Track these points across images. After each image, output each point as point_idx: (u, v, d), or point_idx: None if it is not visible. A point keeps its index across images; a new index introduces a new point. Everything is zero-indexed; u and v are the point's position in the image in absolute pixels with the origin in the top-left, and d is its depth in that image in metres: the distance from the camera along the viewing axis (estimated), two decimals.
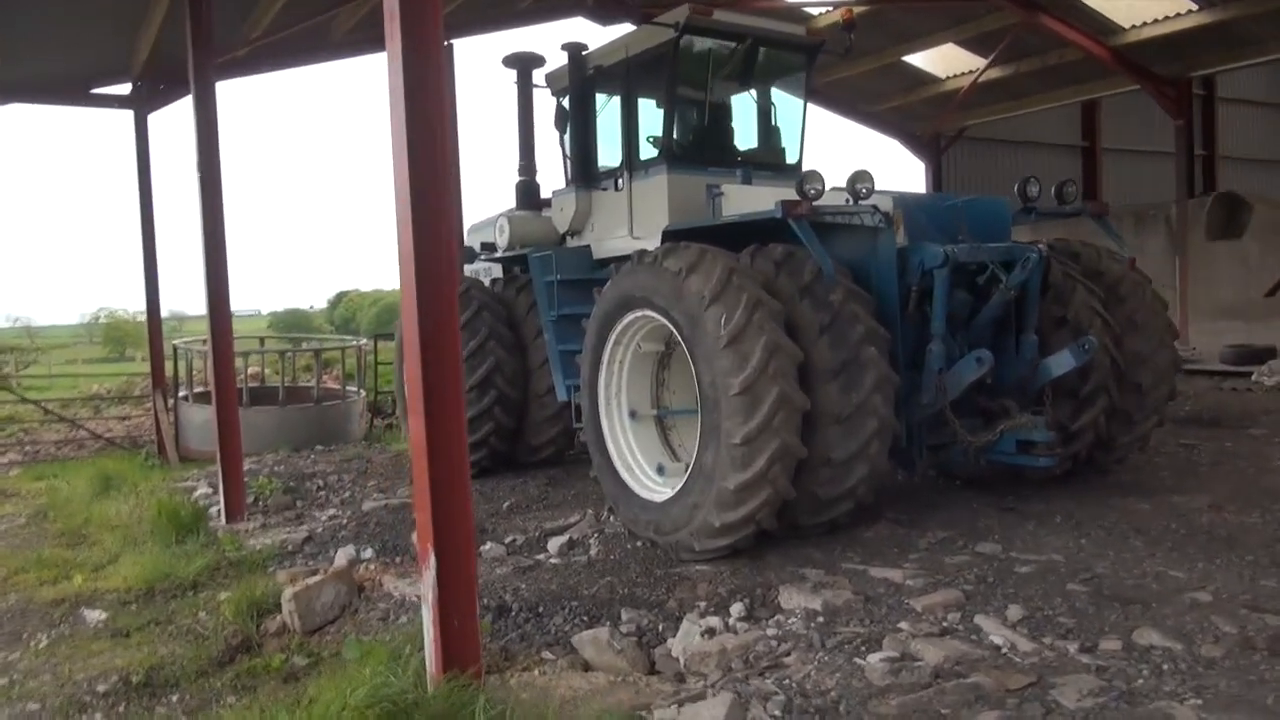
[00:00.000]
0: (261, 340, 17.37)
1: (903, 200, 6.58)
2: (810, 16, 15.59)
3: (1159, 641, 4.31)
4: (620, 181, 8.73)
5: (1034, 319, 6.73)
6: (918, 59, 18.22)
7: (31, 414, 18.14)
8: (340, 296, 78.23)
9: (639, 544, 6.46)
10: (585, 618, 5.32)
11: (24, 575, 7.29)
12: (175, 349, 14.03)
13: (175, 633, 5.84)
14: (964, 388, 6.29)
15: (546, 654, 4.96)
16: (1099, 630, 4.52)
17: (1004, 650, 4.39)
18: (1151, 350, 7.35)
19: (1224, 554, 5.59)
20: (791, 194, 6.25)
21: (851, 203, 6.37)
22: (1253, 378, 13.71)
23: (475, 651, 4.21)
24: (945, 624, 4.76)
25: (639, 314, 6.34)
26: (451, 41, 15.25)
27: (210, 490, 9.78)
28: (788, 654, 4.64)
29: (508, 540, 6.90)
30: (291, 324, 60.96)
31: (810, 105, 9.05)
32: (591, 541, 6.67)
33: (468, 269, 11.43)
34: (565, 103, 9.70)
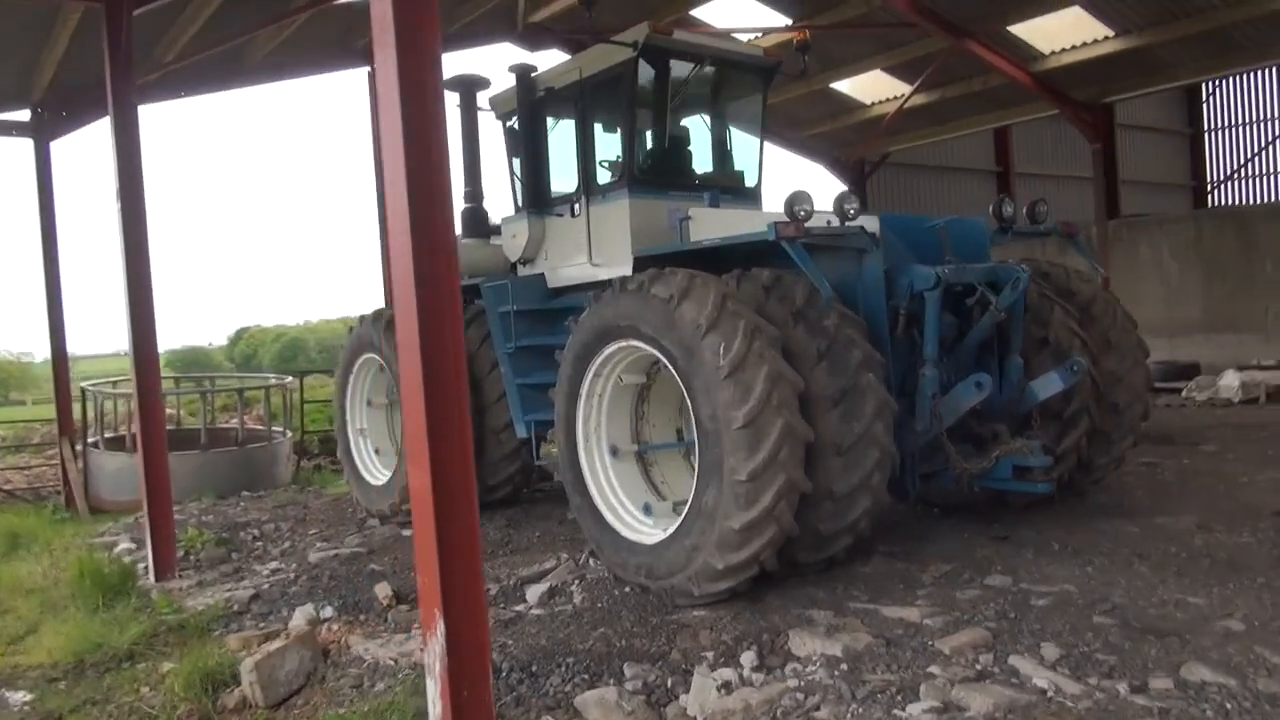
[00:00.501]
0: (176, 380, 16.32)
1: (887, 221, 6.39)
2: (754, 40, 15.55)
3: (1210, 678, 4.11)
4: (577, 207, 8.36)
5: (1019, 341, 6.60)
6: (845, 85, 18.40)
7: None
8: (241, 333, 75.55)
9: (627, 590, 6.04)
10: (585, 675, 4.89)
11: None
12: (84, 391, 13.02)
13: (117, 714, 5.18)
14: (961, 413, 6.09)
15: (548, 719, 4.52)
16: (1143, 667, 4.30)
17: (1051, 694, 4.14)
18: (1127, 370, 7.32)
19: (1233, 578, 5.48)
20: (757, 218, 6.01)
21: (838, 224, 6.15)
22: (1183, 393, 14.06)
23: None
24: (979, 667, 4.49)
25: (622, 344, 5.97)
26: (372, 68, 14.76)
27: (134, 545, 8.99)
28: (817, 708, 4.30)
29: None
30: (191, 362, 58.36)
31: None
32: (574, 589, 6.22)
33: None
34: (512, 126, 9.32)
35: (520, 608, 6.06)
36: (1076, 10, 14.20)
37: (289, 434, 13.65)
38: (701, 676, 4.72)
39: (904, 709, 4.15)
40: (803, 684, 4.53)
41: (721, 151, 8.75)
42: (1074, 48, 15.41)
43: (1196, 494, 7.72)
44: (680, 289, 5.50)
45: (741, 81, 8.63)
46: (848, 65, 17.03)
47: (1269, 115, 29.34)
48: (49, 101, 12.70)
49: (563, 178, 9.03)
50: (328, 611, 6.16)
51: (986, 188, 24.12)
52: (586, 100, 8.26)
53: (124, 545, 9.01)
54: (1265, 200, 28.29)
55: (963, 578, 5.82)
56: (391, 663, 5.27)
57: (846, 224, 6.14)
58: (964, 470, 6.23)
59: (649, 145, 8.20)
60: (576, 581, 6.33)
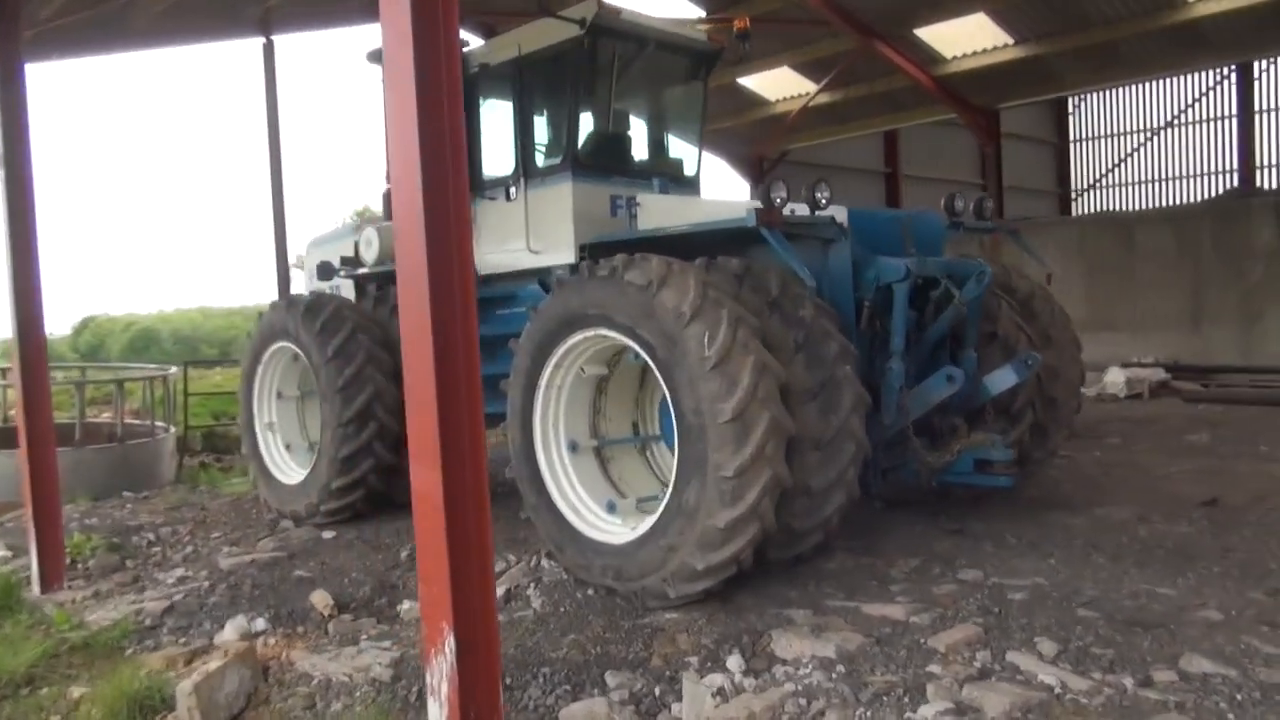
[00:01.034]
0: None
1: (853, 212, 6.28)
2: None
3: (1211, 669, 4.14)
4: (513, 190, 7.96)
5: (974, 335, 6.62)
6: (750, 81, 18.46)
7: None
8: (86, 322, 70.60)
9: (590, 592, 5.73)
10: (567, 687, 4.58)
11: None
12: None
13: None
14: (929, 407, 6.04)
15: None
16: (1141, 660, 4.30)
17: (1059, 691, 4.07)
18: (1064, 365, 7.47)
19: (1189, 568, 5.61)
20: (709, 205, 5.73)
21: (807, 213, 6.00)
22: None
23: None
24: (979, 665, 4.40)
25: (590, 334, 5.65)
26: (272, 38, 13.91)
27: (8, 552, 8.07)
28: (823, 713, 4.14)
29: None
30: None
31: None
32: (530, 593, 5.87)
33: (320, 286, 10.25)
34: None
35: None
36: (980, 17, 14.62)
37: (172, 429, 12.65)
38: (691, 683, 4.48)
39: (914, 711, 4.02)
40: (801, 688, 4.35)
41: (663, 138, 8.51)
42: (975, 54, 15.90)
43: (1122, 486, 7.96)
44: (659, 276, 5.22)
45: (684, 67, 8.40)
46: (757, 61, 17.03)
47: (1129, 129, 31.21)
48: None
49: (496, 160, 8.61)
50: (259, 624, 5.61)
51: (875, 188, 24.73)
52: (525, 79, 7.88)
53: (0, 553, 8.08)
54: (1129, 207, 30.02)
55: (933, 572, 5.77)
56: (345, 679, 4.81)
57: (817, 213, 6.00)
58: (927, 464, 6.19)
59: (592, 128, 7.87)
60: (532, 585, 5.97)
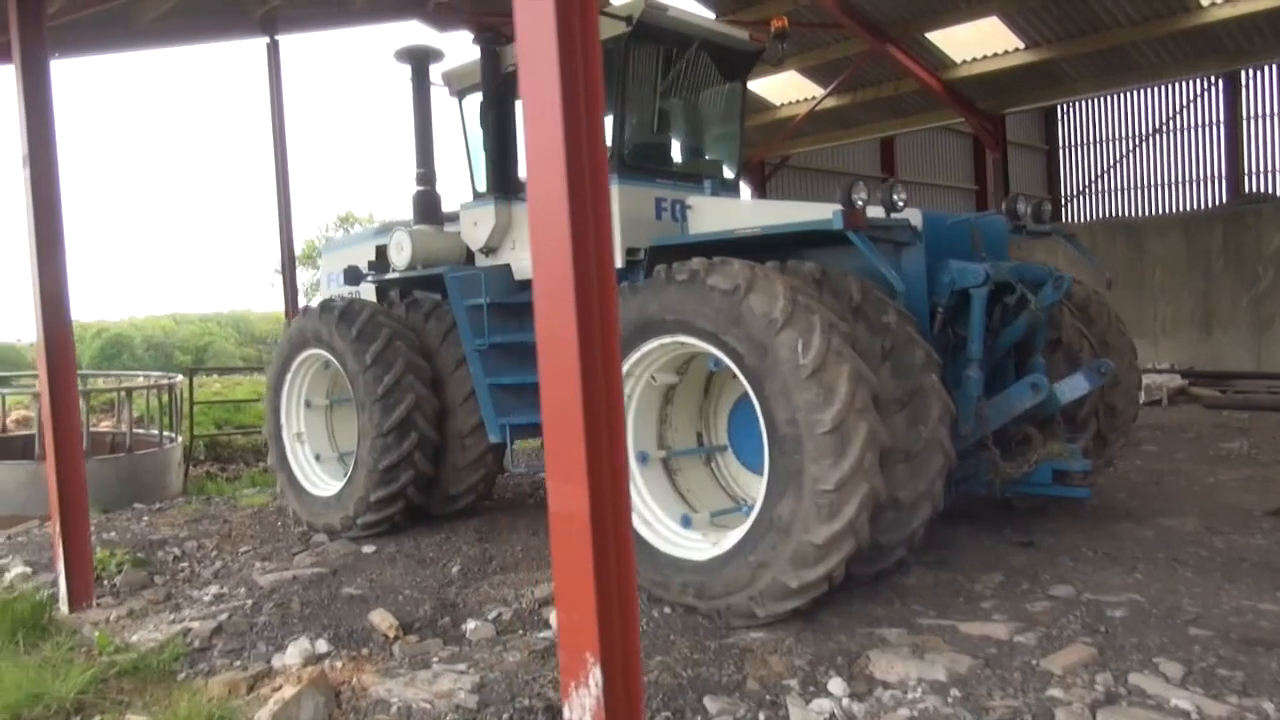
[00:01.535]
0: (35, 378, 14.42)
1: (926, 215, 6.11)
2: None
3: None
4: None
5: (1042, 342, 6.46)
6: (755, 85, 18.29)
7: None
8: None
9: (666, 610, 5.50)
10: (667, 714, 4.35)
11: None
12: None
13: None
14: (1011, 417, 5.87)
15: None
16: (1274, 682, 4.13)
17: (1196, 717, 3.89)
18: (1123, 372, 7.33)
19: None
20: (770, 208, 5.55)
21: (883, 215, 5.82)
22: None
23: None
24: (1101, 688, 4.22)
25: (667, 340, 5.43)
26: (277, 38, 13.58)
27: (28, 569, 7.72)
28: None
29: (491, 615, 5.71)
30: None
31: None
32: None
33: (339, 291, 9.97)
34: (471, 103, 8.59)
35: (546, 634, 5.41)
36: (993, 20, 14.55)
37: (179, 439, 12.26)
38: (798, 709, 4.27)
39: None
40: (916, 713, 4.15)
41: (707, 139, 8.31)
42: (984, 58, 15.83)
43: (1177, 495, 7.83)
44: (745, 280, 5.01)
45: (726, 66, 8.21)
46: (764, 65, 16.90)
47: (1116, 135, 31.42)
48: None
49: None
50: (321, 646, 5.32)
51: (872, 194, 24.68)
52: None
53: (18, 569, 7.71)
54: (1118, 215, 30.16)
55: (1020, 588, 5.59)
56: (427, 706, 4.54)
57: (892, 215, 5.82)
58: (1006, 475, 6.02)
59: (636, 129, 7.65)
60: None
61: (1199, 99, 29.13)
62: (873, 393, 4.93)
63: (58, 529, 6.81)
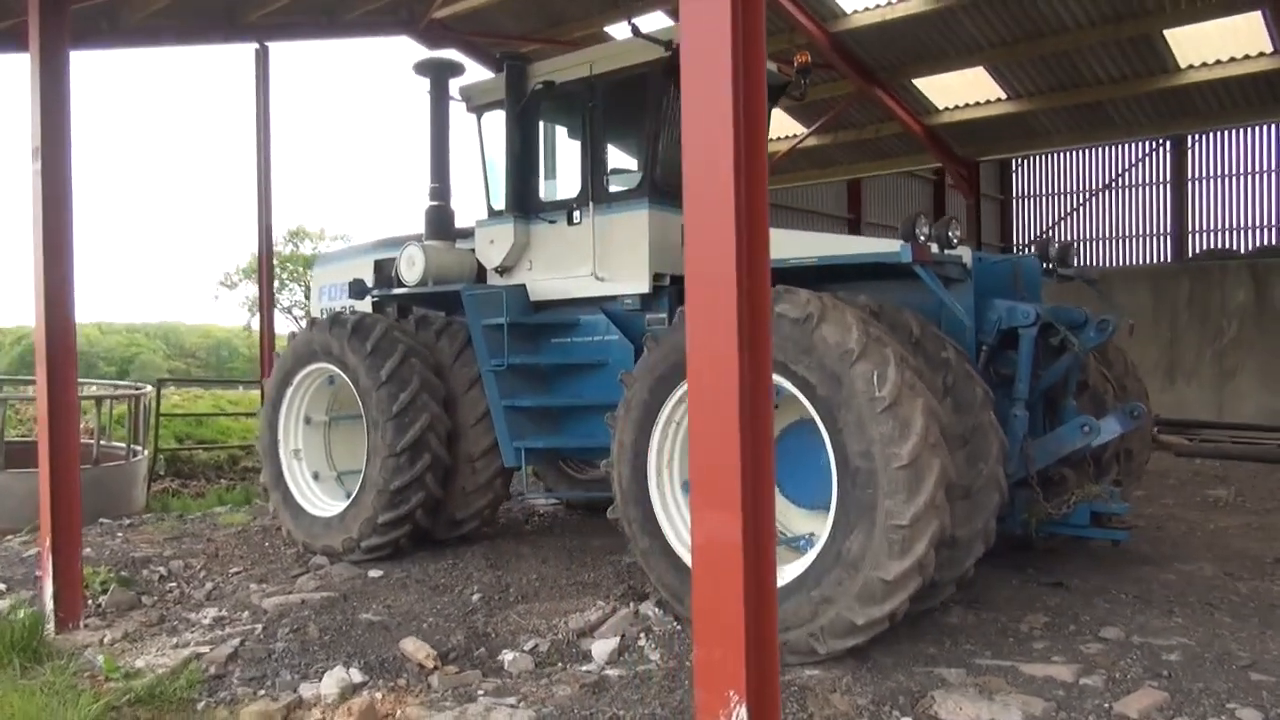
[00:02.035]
0: None
1: (974, 253, 6.13)
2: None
3: None
4: (578, 215, 7.61)
5: (1074, 383, 6.50)
6: None
7: None
8: None
9: None
10: None
11: None
12: None
13: None
14: (1059, 457, 5.87)
15: None
16: None
17: None
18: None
19: None
20: (807, 240, 5.55)
21: (937, 250, 5.81)
22: None
23: None
24: None
25: None
26: (267, 44, 13.27)
27: (2, 586, 7.25)
28: None
29: (527, 646, 5.48)
30: None
31: None
32: (644, 643, 5.44)
33: (331, 306, 9.68)
34: (489, 120, 8.45)
35: (589, 667, 5.21)
36: (979, 70, 14.87)
37: (145, 452, 11.71)
38: None
39: None
40: None
41: None
42: (966, 105, 16.17)
43: (1185, 541, 7.92)
44: (817, 310, 4.94)
45: None
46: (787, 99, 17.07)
47: (1068, 189, 32.43)
48: None
49: (556, 181, 8.26)
50: (354, 674, 5.04)
51: (839, 233, 25.01)
52: (598, 99, 7.56)
53: None
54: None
55: (1067, 630, 5.55)
56: None
57: (946, 251, 5.82)
58: (1046, 515, 6.01)
59: (667, 154, 7.57)
60: (643, 634, 5.55)
61: (1147, 158, 30.24)
62: (941, 428, 4.87)
63: (48, 544, 6.41)
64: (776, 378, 5.10)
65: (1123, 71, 14.32)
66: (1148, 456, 7.71)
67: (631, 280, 7.34)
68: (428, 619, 6.01)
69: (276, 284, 48.71)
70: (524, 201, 7.92)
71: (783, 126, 18.26)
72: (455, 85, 8.67)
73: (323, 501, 7.95)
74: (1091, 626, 5.58)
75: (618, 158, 7.86)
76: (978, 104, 16.03)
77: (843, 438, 4.81)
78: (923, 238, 5.48)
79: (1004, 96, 15.64)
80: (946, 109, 16.40)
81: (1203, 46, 13.37)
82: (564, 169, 8.27)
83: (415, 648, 5.29)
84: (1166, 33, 12.99)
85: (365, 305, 9.02)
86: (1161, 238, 30.08)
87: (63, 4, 6.47)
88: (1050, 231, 27.57)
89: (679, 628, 5.56)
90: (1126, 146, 29.93)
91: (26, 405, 14.55)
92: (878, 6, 13.39)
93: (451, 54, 16.07)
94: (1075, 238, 31.98)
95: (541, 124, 8.11)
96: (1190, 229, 29.33)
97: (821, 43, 14.10)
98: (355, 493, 7.48)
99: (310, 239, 47.37)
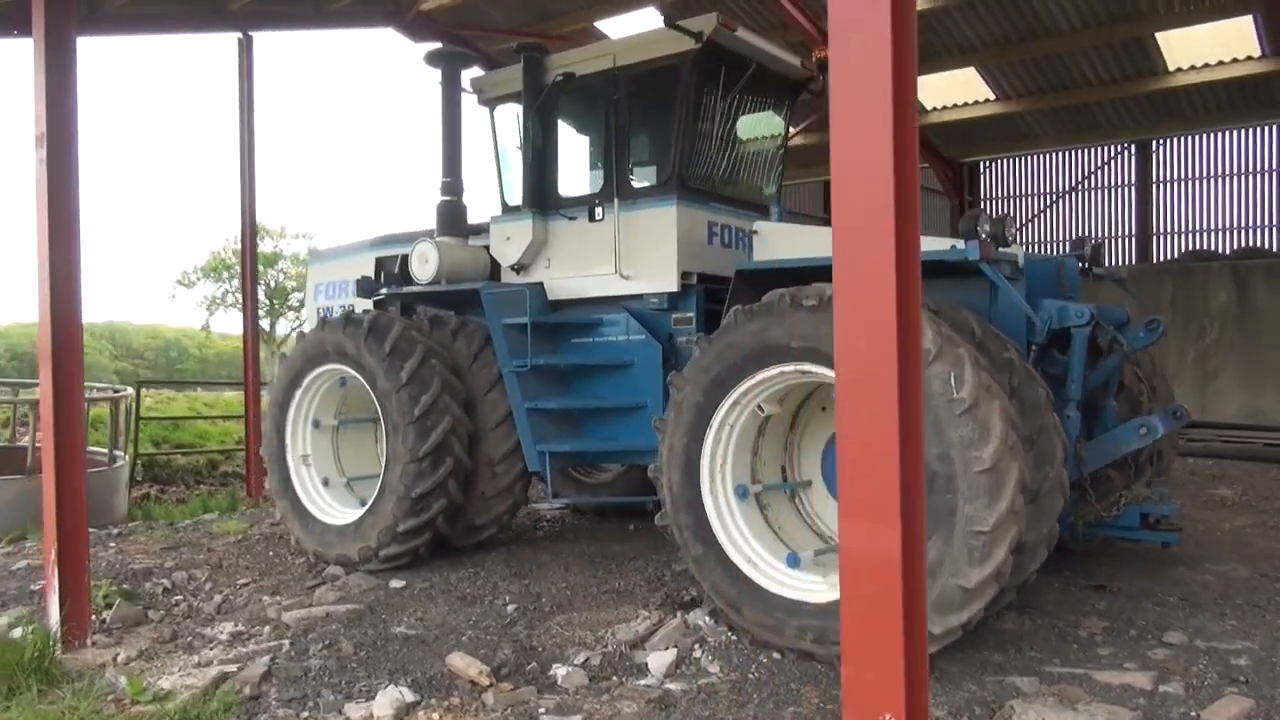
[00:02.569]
0: None
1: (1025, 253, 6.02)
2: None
3: None
4: (600, 211, 7.40)
5: (1115, 384, 6.43)
6: None
7: None
8: None
9: (775, 656, 5.15)
10: None
11: None
12: None
13: None
14: (1114, 459, 5.78)
15: None
16: None
17: None
18: None
19: None
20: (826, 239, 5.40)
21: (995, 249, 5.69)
22: None
23: None
24: None
25: (788, 368, 5.13)
26: (251, 34, 12.85)
27: None
28: None
29: (578, 660, 5.26)
30: None
31: None
32: (699, 655, 5.24)
33: (328, 304, 9.37)
34: (502, 113, 8.21)
35: (647, 681, 5.00)
36: (970, 71, 14.89)
37: (126, 457, 11.26)
38: None
39: None
40: None
41: (754, 164, 8.10)
42: (955, 106, 16.20)
43: (1208, 541, 7.90)
44: None
45: (777, 92, 8.09)
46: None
47: (1034, 191, 32.87)
48: None
49: (577, 177, 8.05)
50: (406, 693, 4.77)
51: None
52: (622, 92, 7.36)
53: None
54: None
55: (1128, 635, 5.46)
56: None
57: (1000, 250, 5.70)
58: (1095, 517, 5.92)
59: (695, 149, 7.38)
60: (697, 645, 5.35)
61: (1112, 162, 30.71)
62: (1018, 432, 4.75)
63: (53, 556, 6.08)
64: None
65: (1112, 74, 14.43)
66: (1173, 458, 7.68)
67: (658, 279, 7.15)
68: (466, 632, 5.76)
69: (237, 282, 47.83)
70: (542, 197, 7.68)
71: None
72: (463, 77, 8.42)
73: (334, 509, 7.65)
74: (1151, 631, 5.49)
75: (644, 152, 7.65)
76: (966, 105, 16.08)
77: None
78: (984, 235, 5.35)
79: (992, 97, 15.69)
80: (935, 109, 16.41)
81: (1193, 50, 13.50)
82: (584, 164, 8.05)
83: (465, 664, 5.04)
84: (1158, 35, 13.08)
85: (364, 304, 8.74)
86: (1127, 239, 30.61)
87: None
88: (1014, 234, 27.61)
89: (734, 637, 5.37)
90: (1091, 150, 30.41)
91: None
92: None
93: (432, 46, 15.80)
94: (1039, 240, 32.49)
95: (560, 117, 7.88)
96: (1155, 231, 29.87)
97: (815, 40, 13.98)
98: (372, 499, 7.18)
99: (270, 236, 46.40)
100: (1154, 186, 30.02)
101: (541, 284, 7.69)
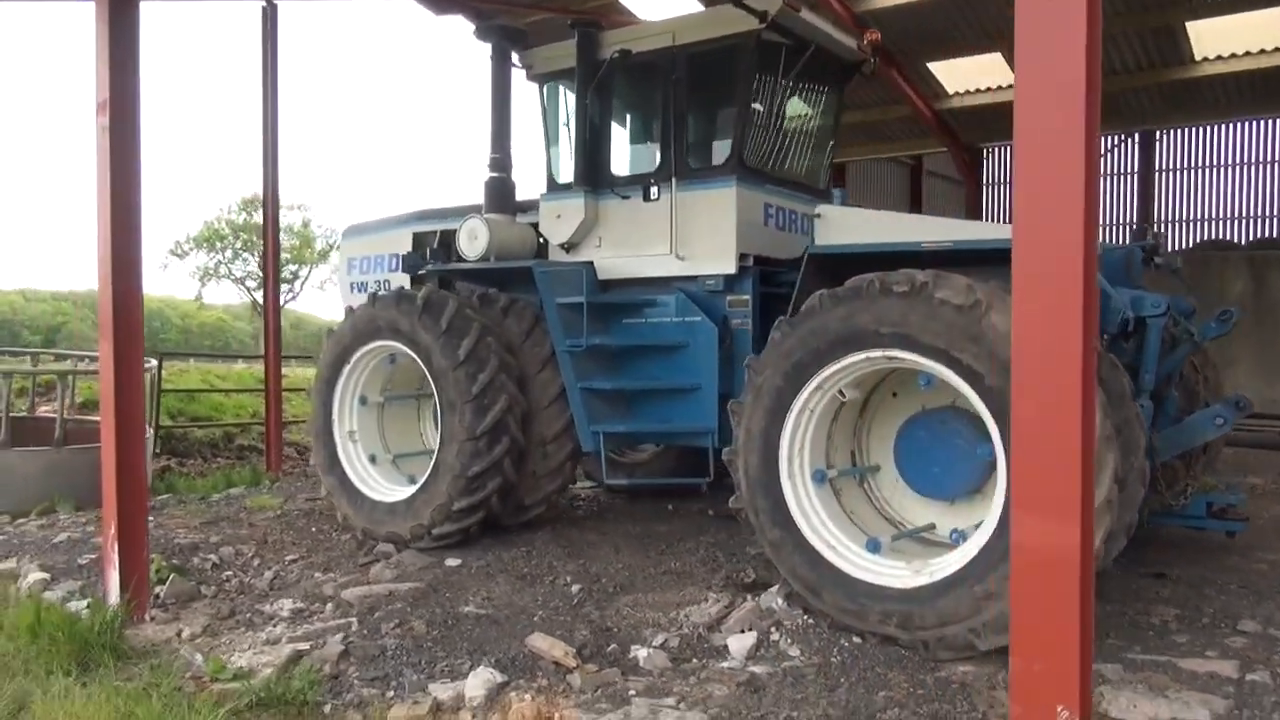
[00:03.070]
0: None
1: None
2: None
3: None
4: (655, 191, 7.32)
5: (1178, 375, 6.45)
6: None
7: None
8: None
9: (856, 640, 5.16)
10: None
11: None
12: None
13: None
14: (1186, 449, 5.80)
15: None
16: None
17: None
18: None
19: None
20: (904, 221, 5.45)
21: None
22: None
23: None
24: None
25: (875, 354, 5.10)
26: (276, 1, 12.65)
27: (45, 575, 6.78)
28: None
29: (656, 641, 5.24)
30: None
31: None
32: (777, 637, 5.24)
33: (363, 279, 9.29)
34: (553, 89, 8.12)
35: (730, 664, 4.99)
36: (996, 56, 14.82)
37: (150, 430, 11.13)
38: None
39: None
40: None
41: (809, 146, 8.04)
42: (976, 90, 16.13)
43: (1253, 528, 7.91)
44: (985, 297, 4.75)
45: (833, 74, 8.01)
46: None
47: None
48: None
49: (630, 156, 7.98)
50: (493, 674, 4.74)
51: None
52: (681, 71, 7.28)
53: (35, 575, 6.75)
54: None
55: (1200, 623, 5.49)
56: None
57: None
58: (1165, 506, 5.95)
59: (754, 130, 7.31)
60: (774, 628, 5.34)
61: (1115, 149, 30.79)
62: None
63: (112, 531, 6.00)
64: (935, 364, 4.93)
65: (1139, 62, 14.39)
66: (1219, 448, 7.71)
67: (716, 261, 7.10)
68: (536, 612, 5.74)
69: (230, 253, 47.42)
70: (594, 175, 7.61)
71: None
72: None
73: (382, 485, 7.60)
74: (1222, 619, 5.53)
75: (703, 132, 7.58)
76: (988, 89, 16.00)
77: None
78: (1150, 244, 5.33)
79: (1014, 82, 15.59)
80: (956, 93, 16.34)
81: (1221, 39, 13.48)
82: (639, 143, 7.98)
83: (549, 645, 5.02)
84: (1189, 24, 13.05)
85: (400, 279, 8.67)
86: (1124, 227, 30.73)
87: None
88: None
89: (811, 621, 5.37)
90: (1101, 138, 30.49)
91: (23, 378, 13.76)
92: None
93: (456, 20, 15.60)
94: None
95: (615, 95, 7.79)
96: (1156, 220, 29.99)
97: (845, 21, 13.88)
98: (425, 477, 7.13)
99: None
100: (1155, 175, 30.18)
101: (592, 263, 7.62)
